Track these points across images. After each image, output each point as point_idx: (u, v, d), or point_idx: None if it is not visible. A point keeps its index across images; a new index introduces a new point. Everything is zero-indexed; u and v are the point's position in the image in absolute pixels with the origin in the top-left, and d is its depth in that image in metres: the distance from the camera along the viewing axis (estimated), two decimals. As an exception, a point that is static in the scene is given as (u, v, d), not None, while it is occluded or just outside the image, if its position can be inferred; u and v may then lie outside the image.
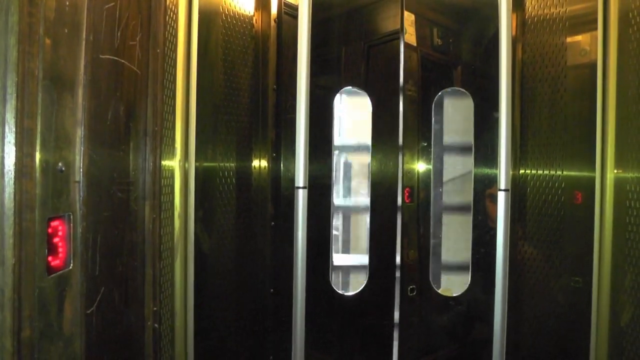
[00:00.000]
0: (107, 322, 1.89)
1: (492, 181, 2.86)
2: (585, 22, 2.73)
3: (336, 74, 3.05)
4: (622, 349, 2.51)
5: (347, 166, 3.69)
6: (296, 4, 2.79)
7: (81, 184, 1.64)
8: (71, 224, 1.60)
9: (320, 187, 2.91)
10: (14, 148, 1.31)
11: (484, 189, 2.92)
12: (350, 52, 3.08)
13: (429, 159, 3.01)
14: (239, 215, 2.92)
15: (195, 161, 2.62)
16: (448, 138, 3.11)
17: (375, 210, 2.99)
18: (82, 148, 1.65)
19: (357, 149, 3.50)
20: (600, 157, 2.63)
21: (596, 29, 2.64)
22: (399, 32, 2.95)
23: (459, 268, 3.08)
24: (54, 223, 1.52)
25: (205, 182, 2.71)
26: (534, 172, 2.90)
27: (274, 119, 3.07)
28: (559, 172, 2.79)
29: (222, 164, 2.81)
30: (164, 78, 2.36)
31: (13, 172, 1.31)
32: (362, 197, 3.19)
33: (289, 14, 3.02)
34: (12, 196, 1.31)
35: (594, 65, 2.65)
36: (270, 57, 3.06)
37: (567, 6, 2.78)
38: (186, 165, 2.61)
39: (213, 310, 2.81)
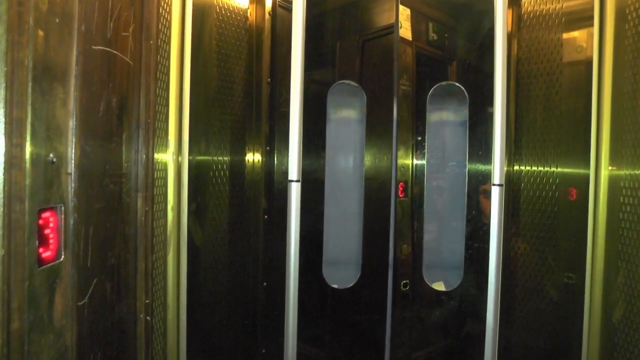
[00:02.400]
0: (99, 315, 1.88)
1: (486, 177, 2.86)
2: (581, 18, 2.73)
3: (330, 68, 3.04)
4: (614, 345, 2.52)
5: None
6: (291, -3, 2.78)
7: (73, 176, 1.64)
8: (62, 216, 1.59)
9: (313, 181, 2.91)
10: (2, 138, 1.30)
11: (478, 184, 2.92)
12: (344, 46, 3.07)
13: (423, 154, 3.01)
14: (232, 209, 2.92)
15: (189, 154, 2.61)
16: (443, 132, 3.11)
17: (369, 205, 2.98)
18: (73, 139, 1.64)
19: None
20: (595, 154, 2.63)
21: (592, 25, 2.64)
22: (394, 27, 2.94)
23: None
24: (45, 214, 1.51)
25: (199, 175, 2.70)
26: (528, 168, 2.91)
27: (268, 113, 3.06)
28: (553, 169, 2.79)
29: (215, 157, 2.80)
30: (157, 70, 2.35)
31: (2, 163, 1.30)
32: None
33: (284, 7, 3.01)
34: (1, 187, 1.30)
35: (589, 62, 2.65)
36: (264, 50, 3.05)
37: (563, 2, 2.78)
38: (179, 157, 2.61)
39: (205, 303, 2.80)
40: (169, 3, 2.50)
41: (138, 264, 2.22)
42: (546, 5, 2.85)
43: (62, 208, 1.59)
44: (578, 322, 2.67)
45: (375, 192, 2.99)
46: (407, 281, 3.01)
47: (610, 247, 2.57)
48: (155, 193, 2.37)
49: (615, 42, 2.57)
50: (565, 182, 2.75)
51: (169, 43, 2.50)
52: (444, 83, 2.99)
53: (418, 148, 3.01)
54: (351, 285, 2.98)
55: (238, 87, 2.93)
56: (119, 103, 1.98)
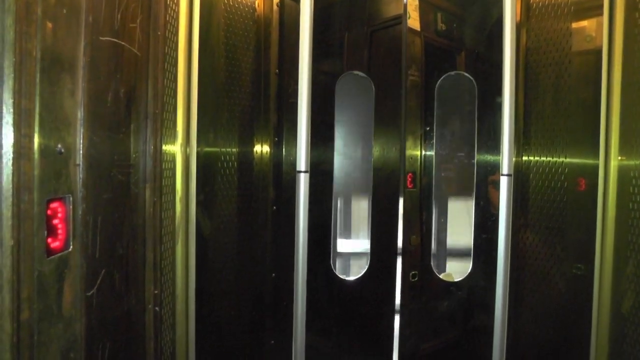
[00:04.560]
0: (108, 305, 1.89)
1: (495, 167, 2.85)
2: (590, 7, 2.70)
3: (338, 59, 3.04)
4: (624, 336, 2.51)
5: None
6: (299, -13, 2.77)
7: (81, 166, 1.64)
8: (71, 206, 1.60)
9: (321, 172, 2.91)
10: (11, 129, 1.31)
11: (487, 174, 2.91)
12: (353, 36, 3.06)
13: (432, 144, 3.00)
14: (240, 200, 2.92)
15: (197, 145, 2.62)
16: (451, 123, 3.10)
17: (377, 196, 2.98)
18: (81, 130, 1.64)
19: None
20: (604, 144, 2.61)
21: (602, 14, 2.61)
22: (402, 17, 2.93)
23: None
24: (53, 205, 1.51)
25: (207, 166, 2.71)
26: (536, 158, 2.89)
27: (276, 104, 3.06)
28: (562, 159, 2.78)
29: (223, 148, 2.81)
30: (165, 61, 2.35)
31: (11, 153, 1.31)
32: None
33: (292, -3, 3.01)
34: (10, 177, 1.31)
35: (599, 51, 2.63)
36: (272, 41, 3.04)
37: (572, -9, 2.76)
38: (187, 148, 2.61)
39: (214, 294, 2.81)
40: (177, -6, 2.50)
41: (147, 255, 2.23)
42: (555, -6, 2.83)
43: (71, 198, 1.59)
44: (587, 313, 2.66)
45: (384, 183, 2.99)
46: (416, 272, 3.01)
47: (620, 238, 2.55)
48: (163, 184, 2.38)
49: (625, 31, 2.55)
50: (574, 172, 2.74)
51: (176, 34, 2.50)
52: (452, 73, 2.98)
53: (427, 138, 3.01)
54: (360, 276, 2.99)
55: (246, 78, 2.93)
56: (126, 94, 1.99)
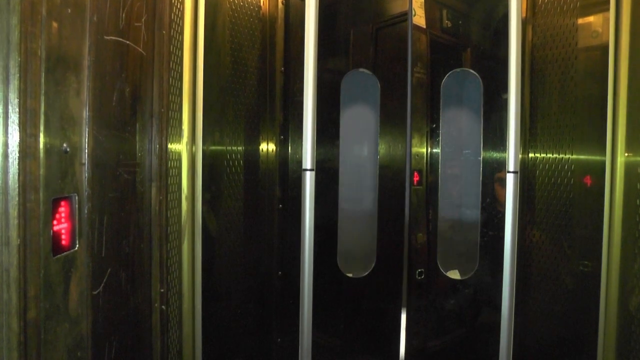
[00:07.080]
0: (114, 303, 1.90)
1: (501, 164, 2.84)
2: (597, 3, 2.69)
3: (344, 57, 3.03)
4: (631, 333, 2.50)
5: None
6: (303, -15, 2.77)
7: (86, 165, 1.64)
8: (76, 205, 1.60)
9: (327, 170, 2.91)
10: (17, 128, 1.31)
11: (493, 171, 2.90)
12: (358, 34, 3.05)
13: (438, 142, 2.99)
14: (246, 198, 2.92)
15: (203, 143, 2.62)
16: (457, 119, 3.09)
17: (384, 193, 2.98)
18: (87, 129, 1.65)
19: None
20: (611, 140, 2.60)
21: (608, 9, 2.60)
22: (407, 14, 2.92)
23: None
24: (59, 204, 1.52)
25: (213, 165, 2.71)
26: (543, 154, 2.88)
27: (282, 102, 3.06)
28: (568, 155, 2.77)
29: (229, 147, 2.81)
30: (170, 60, 2.36)
31: (17, 153, 1.31)
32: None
33: (297, -5, 3.01)
34: (16, 177, 1.31)
35: (605, 47, 2.61)
36: (278, 39, 3.04)
37: (578, -14, 2.75)
38: (193, 147, 2.61)
39: (220, 292, 2.82)
40: (182, -7, 2.50)
41: (153, 253, 2.24)
42: (561, -10, 2.82)
43: (76, 197, 1.60)
44: (594, 310, 2.65)
45: (390, 180, 2.98)
46: (422, 270, 3.01)
47: (627, 234, 2.54)
48: (169, 182, 2.38)
49: (632, 27, 2.53)
50: (580, 168, 2.73)
51: (181, 33, 2.51)
52: (458, 70, 2.97)
53: (432, 136, 3.00)
54: (366, 274, 2.99)
55: (252, 76, 2.93)
56: (132, 93, 1.99)
